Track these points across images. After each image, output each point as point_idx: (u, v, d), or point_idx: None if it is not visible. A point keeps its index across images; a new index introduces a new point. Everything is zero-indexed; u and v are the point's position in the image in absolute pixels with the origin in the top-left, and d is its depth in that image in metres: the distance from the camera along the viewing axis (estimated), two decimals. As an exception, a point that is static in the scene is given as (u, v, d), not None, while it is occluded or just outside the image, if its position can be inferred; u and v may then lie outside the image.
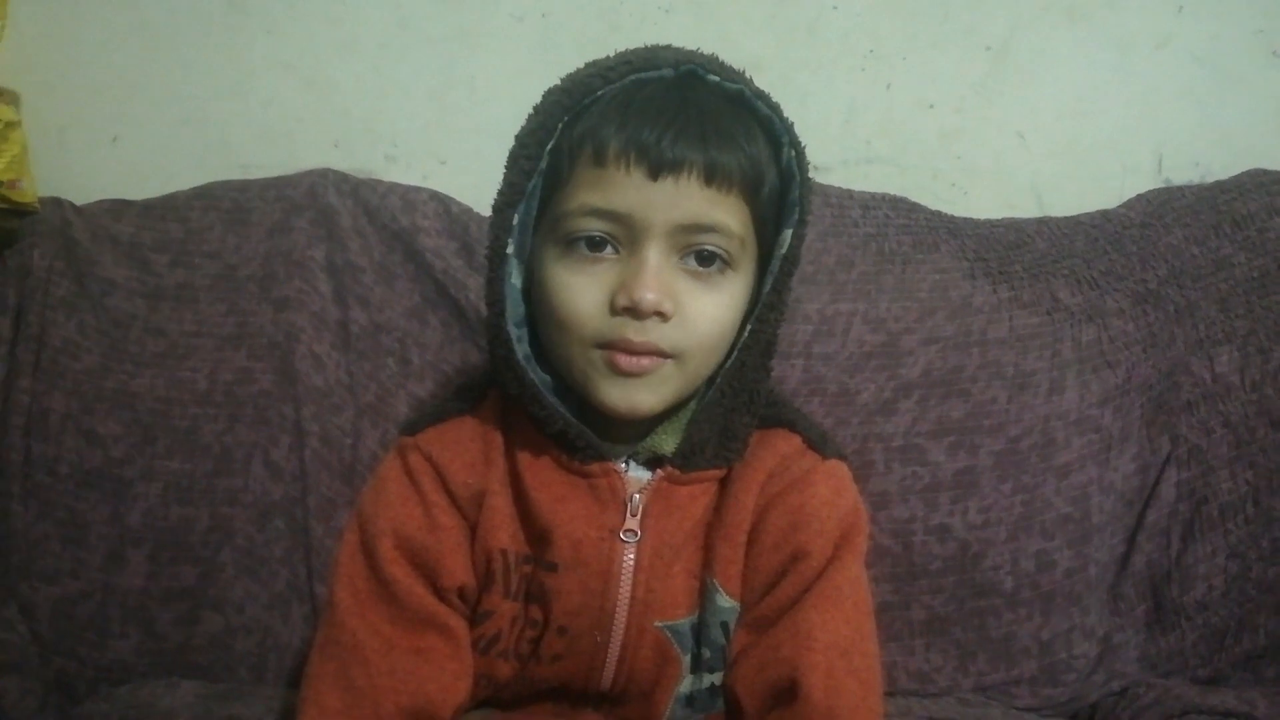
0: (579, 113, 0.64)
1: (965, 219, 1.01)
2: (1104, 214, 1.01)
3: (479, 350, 0.95)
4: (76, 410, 0.91)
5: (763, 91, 0.67)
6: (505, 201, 0.66)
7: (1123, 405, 0.93)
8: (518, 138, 0.67)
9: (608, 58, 0.67)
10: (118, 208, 1.00)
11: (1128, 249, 0.98)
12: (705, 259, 0.65)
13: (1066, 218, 1.01)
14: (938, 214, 1.00)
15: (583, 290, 0.64)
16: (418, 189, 1.00)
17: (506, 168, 0.67)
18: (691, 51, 0.67)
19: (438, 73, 1.06)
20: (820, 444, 0.72)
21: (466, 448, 0.70)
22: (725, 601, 0.68)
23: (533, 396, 0.66)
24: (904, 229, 0.98)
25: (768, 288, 0.68)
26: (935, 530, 0.89)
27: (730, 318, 0.67)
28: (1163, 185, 1.05)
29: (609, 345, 0.64)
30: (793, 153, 0.67)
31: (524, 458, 0.69)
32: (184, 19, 1.05)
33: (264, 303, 0.95)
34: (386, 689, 0.63)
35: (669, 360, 0.65)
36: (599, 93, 0.64)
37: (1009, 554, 0.89)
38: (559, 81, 0.68)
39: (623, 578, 0.66)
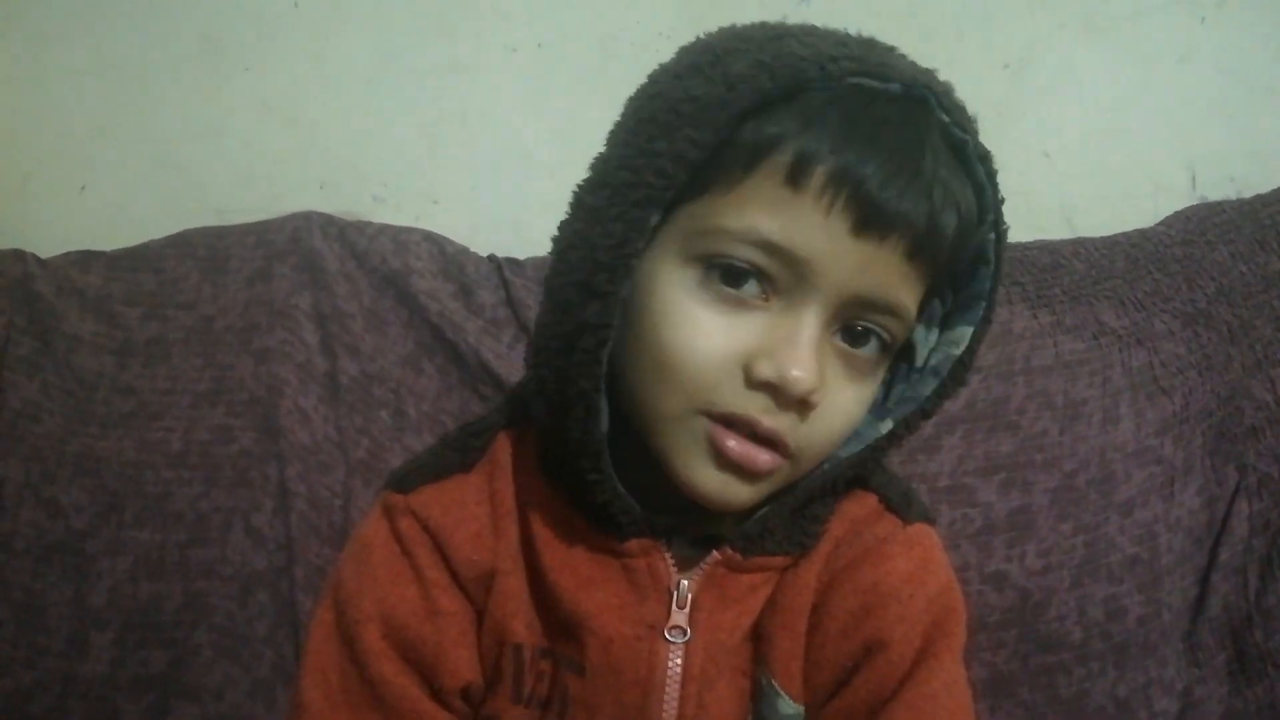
0: (785, 103, 0.47)
1: (995, 243, 0.95)
2: (1142, 233, 0.96)
3: (480, 399, 0.88)
4: (36, 478, 0.83)
5: (986, 151, 0.52)
6: (645, 196, 0.48)
7: (1182, 434, 0.86)
8: (657, 106, 0.49)
9: (813, 30, 0.50)
10: (85, 259, 0.93)
11: (1171, 268, 0.92)
12: (859, 337, 0.50)
13: (1102, 238, 0.96)
14: (966, 238, 0.94)
15: (710, 333, 0.48)
16: (409, 230, 0.94)
17: (639, 146, 0.49)
18: (923, 69, 0.52)
19: (428, 108, 1.00)
20: (902, 505, 0.58)
21: (472, 513, 0.56)
22: (789, 707, 0.55)
23: (594, 453, 0.51)
24: (932, 254, 0.92)
25: (929, 390, 0.55)
26: (992, 578, 0.81)
27: (862, 413, 0.53)
28: (1198, 202, 1.00)
29: (724, 420, 0.49)
30: (993, 235, 0.52)
31: (541, 528, 0.55)
32: (156, 58, 0.99)
33: (244, 355, 0.87)
34: None
35: (785, 461, 0.51)
36: (813, 87, 0.47)
37: (1074, 602, 0.81)
38: (734, 36, 0.50)
39: (667, 689, 0.54)
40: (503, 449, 0.58)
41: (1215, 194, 1.01)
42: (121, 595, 0.81)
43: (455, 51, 1.00)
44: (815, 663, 0.55)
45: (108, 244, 0.94)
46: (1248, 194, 0.99)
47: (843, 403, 0.51)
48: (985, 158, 0.52)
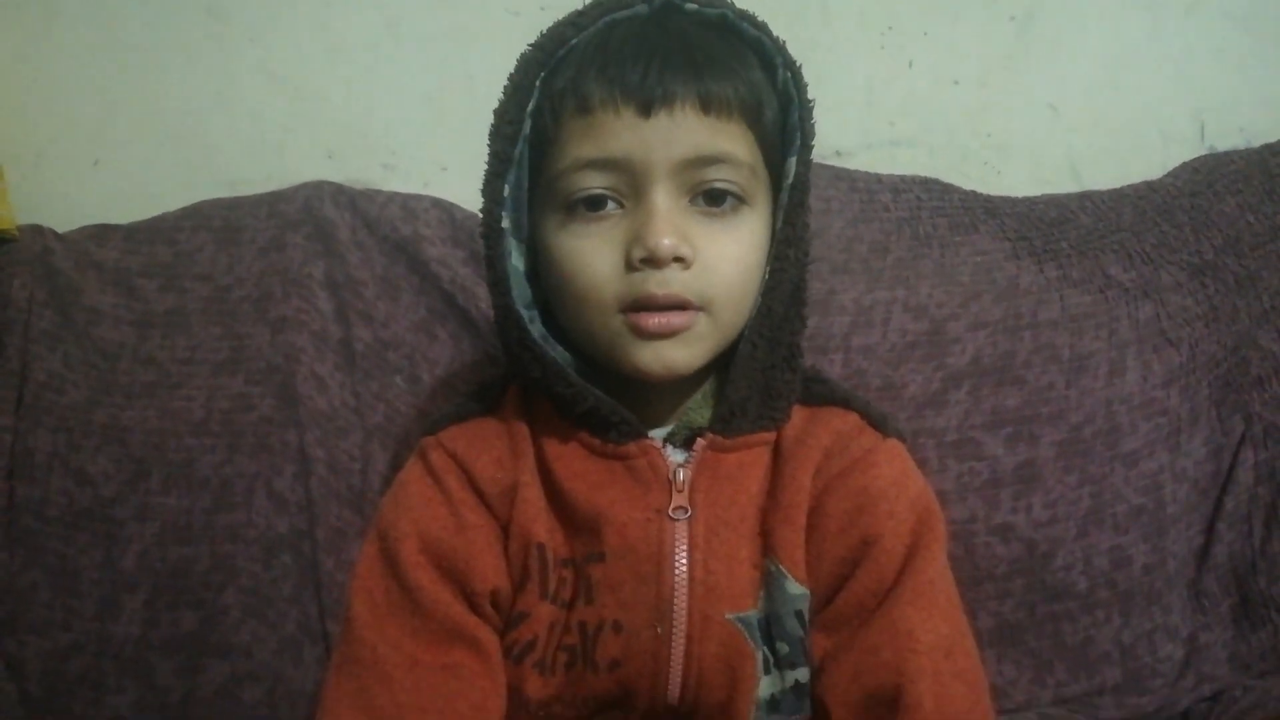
0: (555, 66, 0.61)
1: (1002, 198, 0.95)
2: (1149, 185, 0.96)
3: (492, 363, 0.89)
4: (63, 448, 0.85)
5: (747, 12, 0.63)
6: (493, 172, 0.63)
7: (1189, 385, 0.87)
8: (496, 111, 0.64)
9: (577, 8, 0.64)
10: (102, 233, 0.94)
11: (1179, 220, 0.92)
12: (715, 197, 0.61)
13: (1110, 191, 0.96)
14: (972, 194, 0.95)
15: (593, 253, 0.60)
16: (419, 197, 0.94)
17: (489, 141, 0.64)
18: None
19: (433, 74, 1.00)
20: (880, 422, 0.67)
21: (492, 443, 0.65)
22: (795, 588, 0.61)
23: (556, 374, 0.62)
24: (938, 211, 0.92)
25: (780, 221, 0.63)
26: (998, 530, 0.82)
27: (753, 258, 0.63)
28: (1207, 152, 0.99)
29: (632, 306, 0.60)
30: (788, 74, 0.63)
31: (553, 449, 0.64)
32: (163, 32, 0.99)
33: (260, 324, 0.89)
34: (412, 708, 0.58)
35: (699, 314, 0.61)
36: (572, 42, 0.61)
37: (1080, 552, 0.82)
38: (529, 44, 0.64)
39: (677, 558, 0.60)
40: (514, 395, 0.68)
41: (1224, 144, 1.00)
42: (151, 559, 0.83)
43: (458, 16, 1.00)
44: (819, 557, 0.62)
45: (123, 217, 0.95)
46: (1257, 144, 0.98)
47: (723, 251, 0.60)
48: (745, 17, 0.63)
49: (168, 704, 0.80)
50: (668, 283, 0.59)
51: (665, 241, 0.58)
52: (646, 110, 0.58)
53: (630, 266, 0.59)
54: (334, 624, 0.82)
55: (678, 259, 0.59)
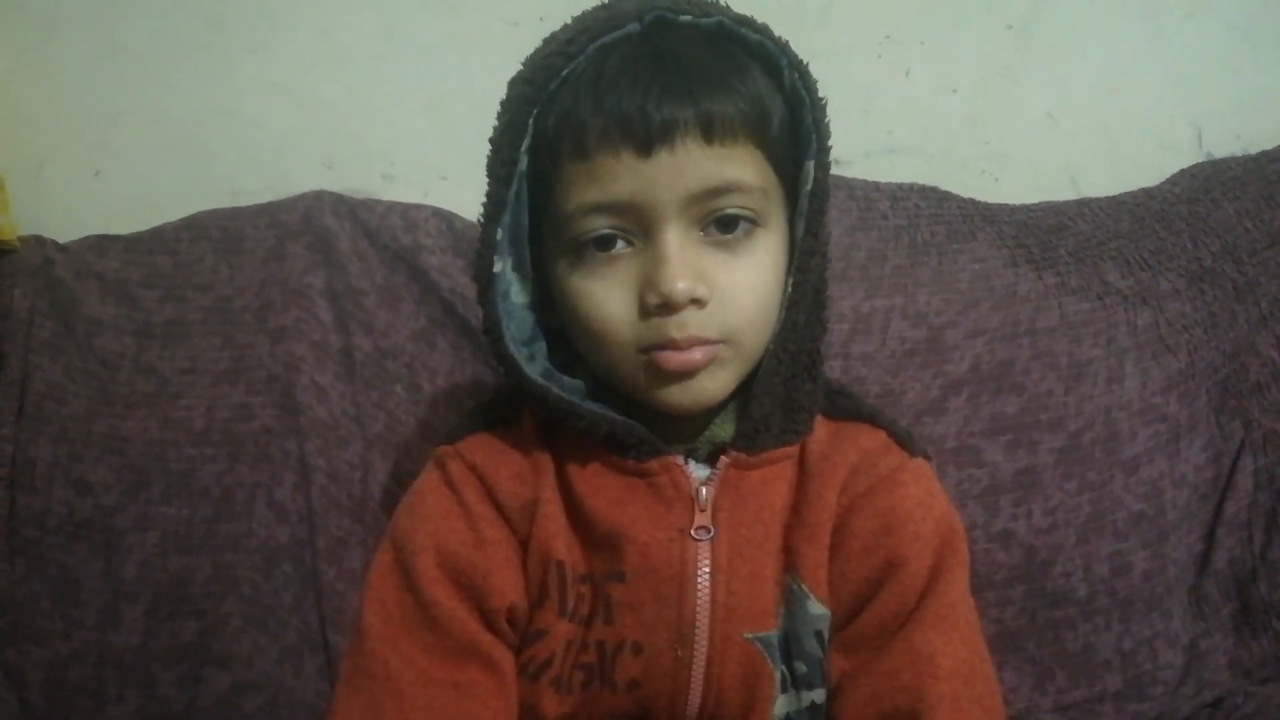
0: (547, 101, 0.58)
1: (1000, 205, 0.95)
2: (1147, 192, 0.96)
3: (492, 370, 0.89)
4: (64, 458, 0.85)
5: (745, 16, 0.60)
6: (488, 215, 0.60)
7: (1188, 391, 0.87)
8: (491, 141, 0.62)
9: (565, 27, 0.61)
10: (103, 243, 0.94)
11: (1177, 227, 0.92)
12: (727, 224, 0.58)
13: (1108, 198, 0.96)
14: (971, 201, 0.95)
15: (606, 296, 0.59)
16: (419, 206, 0.95)
17: (486, 174, 0.62)
18: None
19: (433, 84, 1.00)
20: (906, 440, 0.66)
21: (512, 456, 0.64)
22: (816, 608, 0.61)
23: (567, 410, 0.60)
24: (936, 219, 0.92)
25: (801, 231, 0.60)
26: (998, 537, 0.82)
27: (771, 281, 0.61)
28: (1204, 159, 1.00)
29: (653, 348, 0.58)
30: (795, 75, 0.60)
31: (573, 466, 0.62)
32: (163, 42, 0.99)
33: (261, 334, 0.89)
34: None
35: (719, 345, 0.59)
36: (563, 72, 0.58)
37: (1080, 558, 0.82)
38: (520, 67, 0.62)
39: (699, 580, 0.60)
40: (532, 411, 0.65)
41: (1222, 151, 1.00)
42: (151, 569, 0.82)
43: (458, 26, 1.00)
44: (841, 576, 0.61)
45: (123, 227, 0.95)
46: (1254, 150, 0.98)
47: (740, 281, 0.58)
48: (743, 22, 0.59)
49: (169, 714, 0.80)
50: (686, 325, 0.57)
51: (680, 286, 0.56)
52: (646, 150, 0.55)
53: (645, 311, 0.58)
54: (335, 633, 0.82)
55: (694, 300, 0.57)
